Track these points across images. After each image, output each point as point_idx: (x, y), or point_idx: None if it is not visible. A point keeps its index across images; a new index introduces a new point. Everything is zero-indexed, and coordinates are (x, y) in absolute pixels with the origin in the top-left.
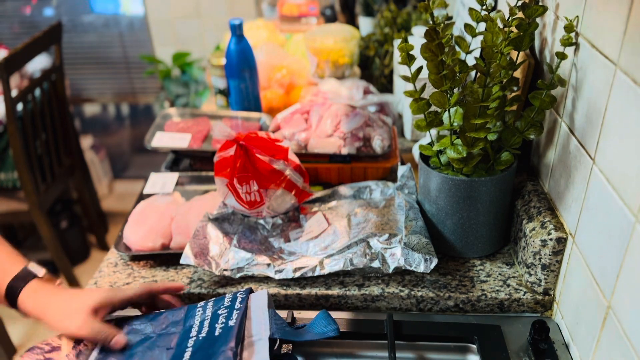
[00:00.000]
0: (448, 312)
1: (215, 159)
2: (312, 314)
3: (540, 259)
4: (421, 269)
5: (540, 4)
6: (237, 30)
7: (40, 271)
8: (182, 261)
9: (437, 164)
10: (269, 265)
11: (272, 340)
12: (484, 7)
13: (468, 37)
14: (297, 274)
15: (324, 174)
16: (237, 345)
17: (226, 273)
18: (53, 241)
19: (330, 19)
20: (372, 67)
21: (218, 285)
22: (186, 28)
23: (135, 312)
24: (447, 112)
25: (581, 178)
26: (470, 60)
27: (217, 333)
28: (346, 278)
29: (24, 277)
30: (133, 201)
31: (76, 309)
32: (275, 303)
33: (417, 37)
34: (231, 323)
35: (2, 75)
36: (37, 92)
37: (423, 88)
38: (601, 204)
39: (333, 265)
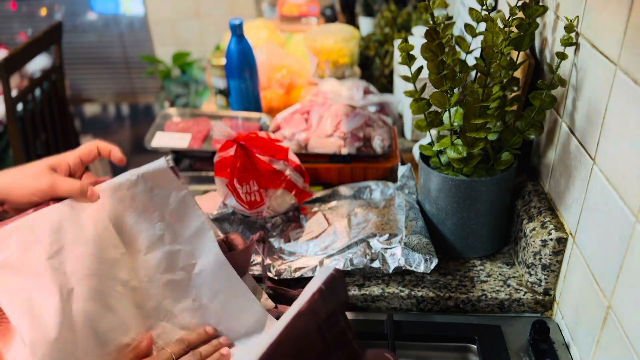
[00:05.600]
0: (448, 312)
1: (215, 159)
2: None
3: (540, 259)
4: (421, 269)
5: (540, 4)
6: (237, 30)
7: None
8: None
9: (437, 164)
10: (269, 265)
11: None
12: (484, 7)
13: (468, 37)
14: (297, 274)
15: (324, 174)
16: None
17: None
18: None
19: (330, 19)
20: (372, 67)
21: None
22: (186, 28)
23: None
24: (447, 112)
25: (581, 178)
26: (471, 60)
27: None
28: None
29: None
30: None
31: (34, 171)
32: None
33: (417, 37)
34: None
35: (2, 75)
36: (37, 92)
37: (423, 88)
38: (601, 204)
39: (333, 266)
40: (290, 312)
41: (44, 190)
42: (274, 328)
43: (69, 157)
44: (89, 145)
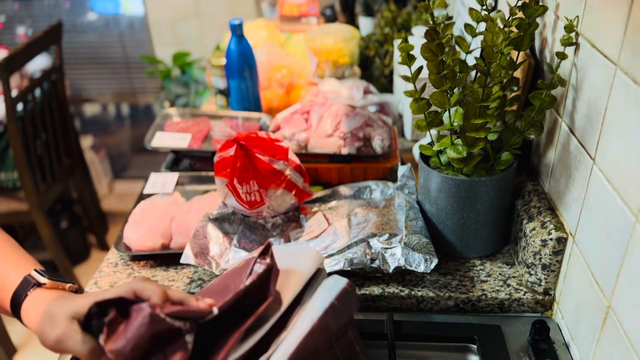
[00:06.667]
0: (448, 312)
1: (215, 159)
2: None
3: (540, 258)
4: (421, 269)
5: (540, 4)
6: (237, 30)
7: (43, 278)
8: (182, 261)
9: (437, 164)
10: None
11: None
12: (484, 7)
13: (468, 37)
14: None
15: (324, 174)
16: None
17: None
18: (53, 241)
19: (330, 19)
20: (372, 67)
21: None
22: (186, 28)
23: None
24: (447, 112)
25: (581, 178)
26: (471, 60)
27: None
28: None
29: (25, 288)
30: (133, 201)
31: (57, 317)
32: None
33: (417, 37)
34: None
35: (2, 75)
36: (37, 92)
37: (423, 88)
38: (601, 203)
39: (333, 265)
40: (302, 327)
41: (50, 345)
42: (287, 344)
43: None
44: (128, 291)
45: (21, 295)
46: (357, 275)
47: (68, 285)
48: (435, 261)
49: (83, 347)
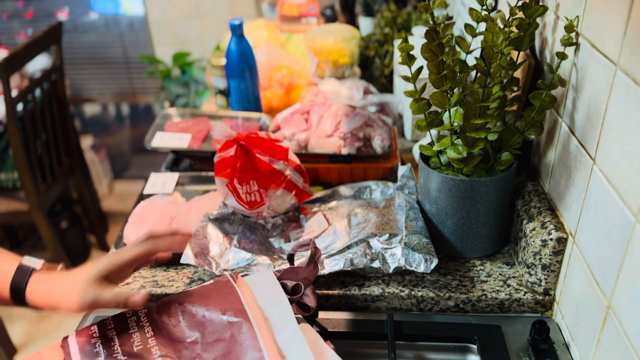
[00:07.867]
0: (448, 312)
1: (216, 159)
2: None
3: (540, 259)
4: (421, 269)
5: (540, 4)
6: (237, 30)
7: (37, 263)
8: (182, 261)
9: (437, 164)
10: (269, 265)
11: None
12: (485, 7)
13: (468, 37)
14: None
15: (324, 174)
16: None
17: (226, 273)
18: (53, 241)
19: (330, 19)
20: (372, 67)
21: None
22: (186, 28)
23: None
24: (447, 112)
25: (581, 178)
26: (471, 60)
27: None
28: (346, 278)
29: (23, 274)
30: (133, 201)
31: (80, 283)
32: None
33: (417, 37)
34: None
35: (2, 75)
36: (37, 92)
37: (423, 88)
38: (601, 204)
39: (333, 265)
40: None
41: (88, 304)
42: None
43: (117, 263)
44: (149, 248)
45: (22, 282)
46: (357, 275)
47: (59, 266)
48: (435, 261)
49: (118, 299)
